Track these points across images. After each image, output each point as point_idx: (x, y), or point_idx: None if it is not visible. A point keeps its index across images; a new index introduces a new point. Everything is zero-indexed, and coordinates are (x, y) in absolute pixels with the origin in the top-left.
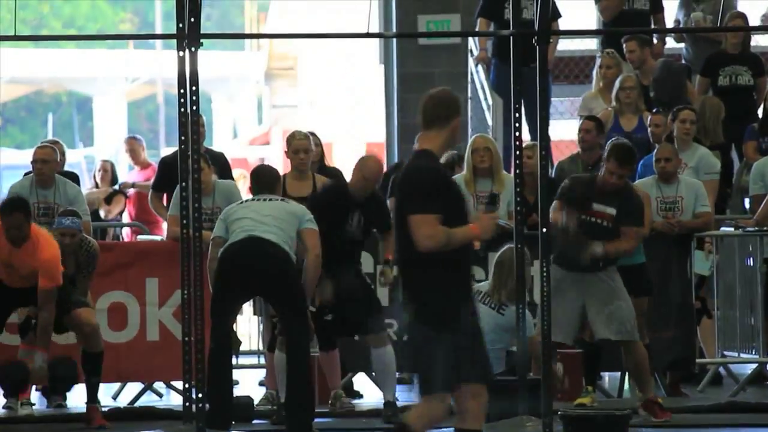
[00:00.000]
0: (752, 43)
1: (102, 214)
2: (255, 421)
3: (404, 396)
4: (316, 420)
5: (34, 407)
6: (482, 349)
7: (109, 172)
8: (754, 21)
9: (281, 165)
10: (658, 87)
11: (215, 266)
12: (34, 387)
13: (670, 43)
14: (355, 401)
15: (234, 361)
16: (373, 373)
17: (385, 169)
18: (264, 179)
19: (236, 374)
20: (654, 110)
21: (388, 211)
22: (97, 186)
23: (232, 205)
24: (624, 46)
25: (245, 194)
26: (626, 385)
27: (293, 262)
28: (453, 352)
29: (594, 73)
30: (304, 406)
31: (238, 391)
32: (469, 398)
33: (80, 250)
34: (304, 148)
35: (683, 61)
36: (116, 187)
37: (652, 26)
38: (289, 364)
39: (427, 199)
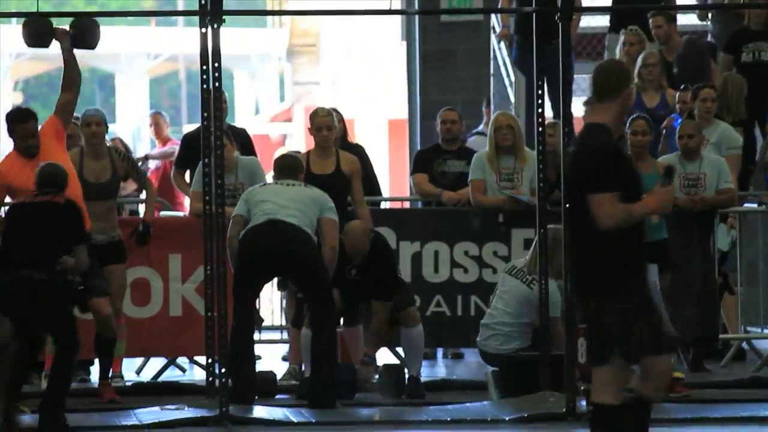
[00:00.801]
0: None
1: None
2: (278, 396)
3: (427, 371)
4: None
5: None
6: (658, 320)
7: (122, 148)
8: None
9: (303, 141)
10: (681, 64)
11: (236, 245)
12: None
13: (695, 19)
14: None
15: (257, 336)
16: (401, 349)
17: (370, 229)
18: (287, 166)
19: (259, 349)
20: (682, 87)
21: (387, 279)
22: None
23: (255, 186)
24: (650, 21)
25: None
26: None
27: (315, 244)
28: (636, 323)
29: (617, 49)
30: (328, 384)
31: (260, 366)
32: (648, 368)
33: (115, 154)
34: (327, 125)
35: (709, 37)
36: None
37: (675, 2)
38: (314, 343)
39: (606, 177)
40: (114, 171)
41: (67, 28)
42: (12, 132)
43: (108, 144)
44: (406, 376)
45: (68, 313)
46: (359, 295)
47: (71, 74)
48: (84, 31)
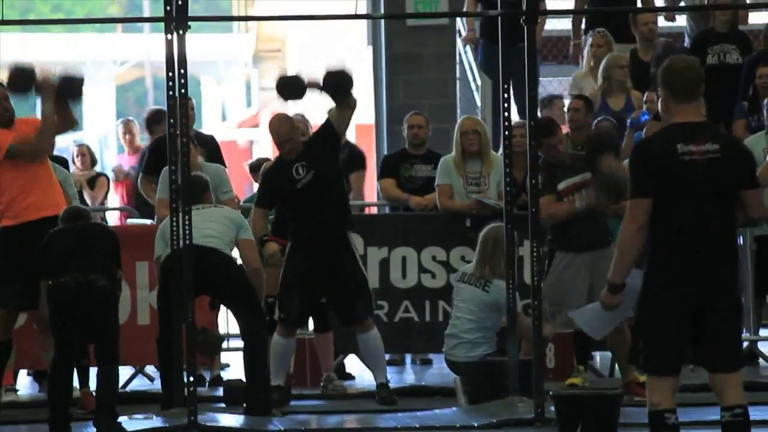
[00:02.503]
0: (749, 21)
1: (87, 198)
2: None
3: (395, 378)
4: (308, 402)
5: (18, 392)
6: None
7: (87, 155)
8: None
9: (270, 147)
10: (659, 64)
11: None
12: (25, 371)
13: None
14: (347, 383)
15: (225, 344)
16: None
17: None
18: (198, 189)
19: (227, 357)
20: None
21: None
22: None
23: (165, 221)
24: (637, 18)
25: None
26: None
27: (235, 262)
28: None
29: (584, 52)
30: (264, 391)
31: (229, 375)
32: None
33: None
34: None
35: (686, 38)
36: (97, 169)
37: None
38: (248, 352)
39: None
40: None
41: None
42: None
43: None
44: (375, 383)
45: (118, 322)
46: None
47: (44, 145)
48: (69, 86)
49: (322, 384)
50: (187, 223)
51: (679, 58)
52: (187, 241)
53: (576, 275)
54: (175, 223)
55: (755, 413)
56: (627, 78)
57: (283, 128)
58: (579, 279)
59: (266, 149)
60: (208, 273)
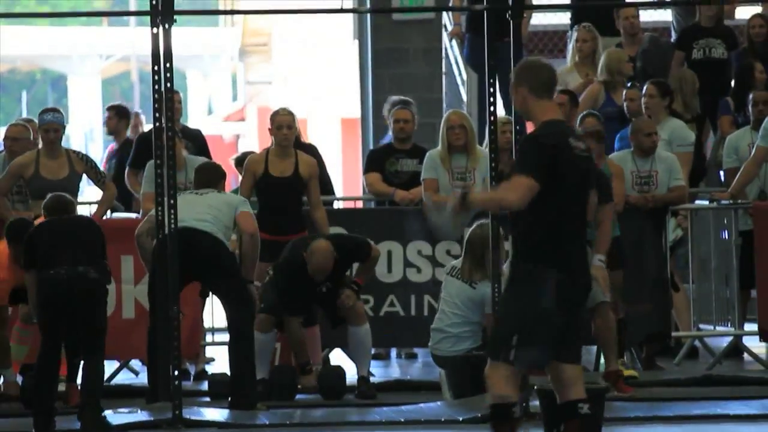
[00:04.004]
0: (736, 16)
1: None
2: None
3: (380, 372)
4: (297, 396)
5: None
6: None
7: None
8: None
9: (256, 141)
10: (645, 59)
11: (146, 242)
12: None
13: (656, 15)
14: None
15: (210, 338)
16: (348, 349)
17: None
18: (206, 175)
19: (212, 351)
20: (629, 84)
21: (363, 247)
22: None
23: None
24: (620, 12)
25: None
26: (602, 359)
27: (226, 249)
28: None
29: (569, 46)
30: (248, 386)
31: (214, 369)
32: None
33: (72, 154)
34: (288, 124)
35: (672, 32)
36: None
37: None
38: (233, 346)
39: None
40: (71, 168)
41: None
42: None
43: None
44: (356, 376)
45: (106, 315)
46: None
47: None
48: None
49: None
50: (173, 214)
51: (533, 59)
52: (174, 231)
53: None
54: (161, 213)
55: (741, 408)
56: (630, 72)
57: (328, 264)
58: None
59: (252, 143)
60: (199, 255)
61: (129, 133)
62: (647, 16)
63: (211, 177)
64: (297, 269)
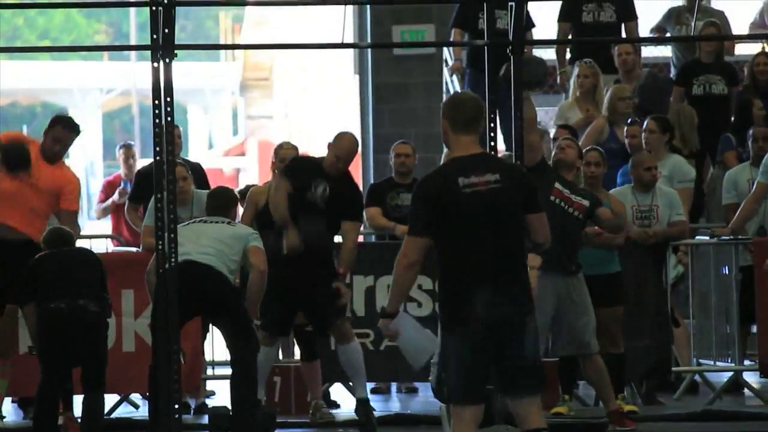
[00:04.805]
0: (736, 52)
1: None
2: None
3: (380, 405)
4: (298, 430)
5: (5, 419)
6: None
7: None
8: (743, 29)
9: (256, 175)
10: (642, 95)
11: (154, 281)
12: (9, 399)
13: (656, 51)
14: (334, 411)
15: (210, 372)
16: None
17: (359, 150)
18: (217, 201)
19: (213, 385)
20: (629, 120)
21: (360, 199)
22: None
23: (178, 225)
24: (616, 49)
25: None
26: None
27: (230, 283)
28: None
29: (570, 82)
30: (250, 422)
31: (214, 402)
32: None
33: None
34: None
35: (672, 68)
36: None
37: (623, 35)
38: (236, 381)
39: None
40: None
41: None
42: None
43: None
44: (355, 400)
45: (107, 349)
46: (331, 221)
47: None
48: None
49: (310, 412)
50: (173, 248)
51: (462, 93)
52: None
53: (542, 293)
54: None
55: None
56: (630, 110)
57: (354, 150)
58: (544, 298)
59: (252, 177)
60: (202, 289)
61: (122, 166)
62: (647, 52)
63: (221, 203)
64: (309, 159)
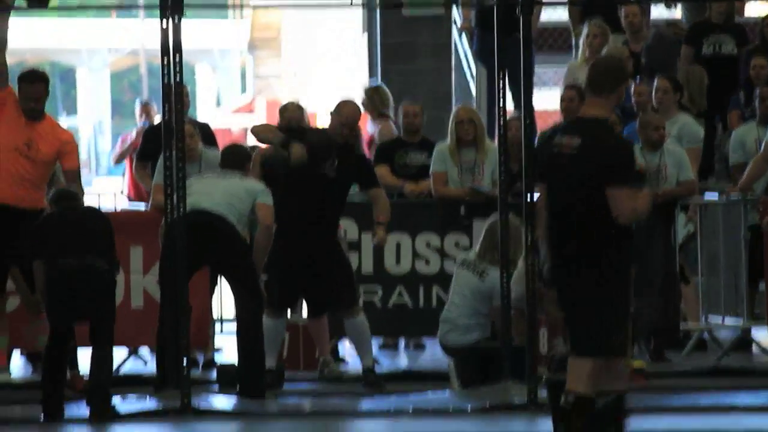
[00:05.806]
0: (745, 14)
1: None
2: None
3: (388, 362)
4: (302, 386)
5: (12, 375)
6: None
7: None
8: None
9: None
10: (650, 54)
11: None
12: (19, 351)
13: (665, 14)
14: (342, 367)
15: (219, 328)
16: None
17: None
18: (231, 157)
19: (221, 341)
20: (638, 79)
21: (371, 167)
22: None
23: (190, 178)
24: (623, 9)
25: None
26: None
27: (240, 236)
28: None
29: (580, 41)
30: (258, 374)
31: (222, 358)
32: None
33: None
34: (297, 119)
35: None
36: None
37: None
38: (243, 334)
39: (629, 172)
40: None
41: None
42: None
43: None
44: (361, 368)
45: (114, 305)
46: (335, 194)
47: None
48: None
49: (318, 368)
50: (182, 206)
51: (606, 56)
52: (182, 219)
53: None
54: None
55: (749, 399)
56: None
57: (357, 116)
58: None
59: None
60: (213, 238)
61: (140, 121)
62: (657, 13)
63: (236, 159)
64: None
